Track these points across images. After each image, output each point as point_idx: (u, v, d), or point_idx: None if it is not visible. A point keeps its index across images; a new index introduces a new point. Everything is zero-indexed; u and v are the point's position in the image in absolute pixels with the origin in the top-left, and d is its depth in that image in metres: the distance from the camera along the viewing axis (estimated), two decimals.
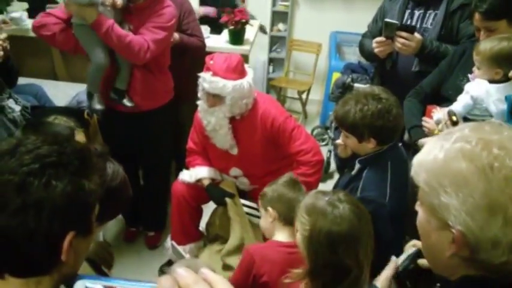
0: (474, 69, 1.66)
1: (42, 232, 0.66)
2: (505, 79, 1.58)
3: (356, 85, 2.83)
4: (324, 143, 3.78)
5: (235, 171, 2.19)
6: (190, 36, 2.48)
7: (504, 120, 1.44)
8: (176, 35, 2.37)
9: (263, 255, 1.49)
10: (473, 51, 1.65)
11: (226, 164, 2.19)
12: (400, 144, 1.67)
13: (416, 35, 2.00)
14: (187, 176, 2.22)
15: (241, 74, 1.94)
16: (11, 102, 1.87)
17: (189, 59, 2.50)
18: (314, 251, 1.15)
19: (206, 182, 2.20)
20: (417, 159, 0.77)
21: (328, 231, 1.14)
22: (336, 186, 1.77)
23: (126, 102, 2.17)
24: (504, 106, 1.54)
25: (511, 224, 0.66)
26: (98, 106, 2.14)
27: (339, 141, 1.62)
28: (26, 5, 3.19)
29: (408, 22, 2.16)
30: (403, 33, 2.00)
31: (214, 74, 1.88)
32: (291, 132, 2.00)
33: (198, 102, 2.04)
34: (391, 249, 1.18)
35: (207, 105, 1.99)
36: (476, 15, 1.70)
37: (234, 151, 2.11)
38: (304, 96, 4.19)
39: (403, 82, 2.11)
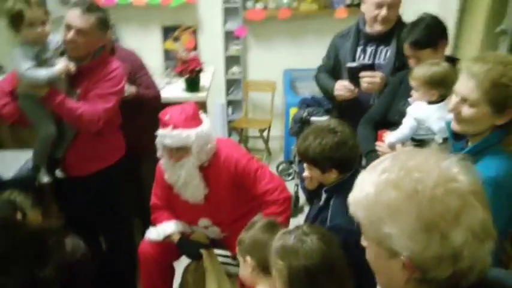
0: (412, 92, 1.81)
1: None
2: (441, 99, 1.73)
3: (313, 118, 2.93)
4: (290, 178, 3.82)
5: (203, 222, 2.14)
6: (145, 89, 2.48)
7: (449, 141, 1.54)
8: (132, 89, 2.36)
9: None
10: (408, 78, 1.81)
11: (193, 216, 2.14)
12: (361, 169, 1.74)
13: (377, 71, 2.13)
14: (155, 234, 2.12)
15: (199, 120, 1.96)
16: None
17: (145, 114, 2.46)
18: None
19: (176, 237, 2.12)
20: (352, 198, 0.83)
21: (304, 267, 1.15)
22: (306, 219, 1.79)
23: (58, 173, 2.08)
24: (443, 124, 1.65)
25: (446, 237, 0.71)
26: (46, 179, 2.05)
27: (305, 174, 1.66)
28: None
29: (361, 58, 2.27)
30: (368, 73, 2.12)
31: (175, 127, 1.86)
32: (255, 173, 2.01)
33: (161, 162, 2.01)
34: (370, 274, 1.20)
35: (171, 162, 1.95)
36: (406, 46, 1.91)
37: (201, 201, 2.07)
38: (265, 134, 4.27)
39: (361, 114, 2.21)
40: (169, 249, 2.13)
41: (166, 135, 1.87)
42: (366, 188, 0.78)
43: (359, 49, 2.29)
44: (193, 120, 1.92)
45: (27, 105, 1.95)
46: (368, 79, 2.12)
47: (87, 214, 2.23)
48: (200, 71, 3.01)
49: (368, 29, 2.25)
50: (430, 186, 0.72)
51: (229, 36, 4.20)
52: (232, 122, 4.44)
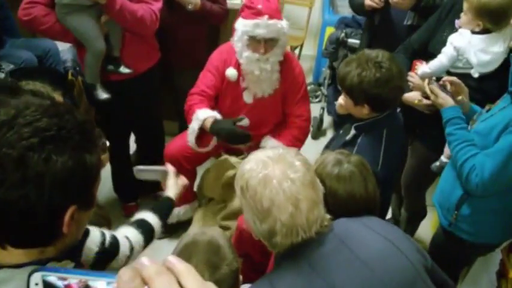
0: (461, 14, 1.64)
1: (44, 206, 0.65)
2: (483, 32, 1.58)
3: (350, 40, 2.76)
4: (317, 100, 3.74)
5: (245, 121, 2.10)
6: (212, 3, 2.34)
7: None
8: (198, 1, 2.25)
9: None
10: (462, 5, 1.62)
11: (237, 108, 2.12)
12: (398, 110, 1.66)
13: None
14: (191, 131, 2.04)
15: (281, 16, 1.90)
16: None
17: (206, 27, 2.42)
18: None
19: (210, 121, 1.98)
20: None
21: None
22: (328, 146, 1.77)
23: (124, 69, 2.08)
24: (486, 57, 1.58)
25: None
26: (104, 95, 2.06)
27: (339, 100, 1.60)
28: None
29: None
30: None
31: (271, 17, 1.78)
32: (302, 93, 2.02)
33: (244, 55, 1.92)
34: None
35: (259, 54, 1.88)
36: None
37: (250, 99, 2.05)
38: (297, 51, 4.09)
39: (395, 36, 2.06)
40: (194, 154, 2.17)
41: (260, 25, 1.79)
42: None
43: None
44: (280, 12, 1.85)
45: (77, 22, 1.87)
46: None
47: (124, 116, 2.28)
48: None
49: None
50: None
51: None
52: None
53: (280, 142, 1.99)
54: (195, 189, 2.40)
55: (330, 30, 3.51)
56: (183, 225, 2.36)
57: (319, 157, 1.25)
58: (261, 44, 1.84)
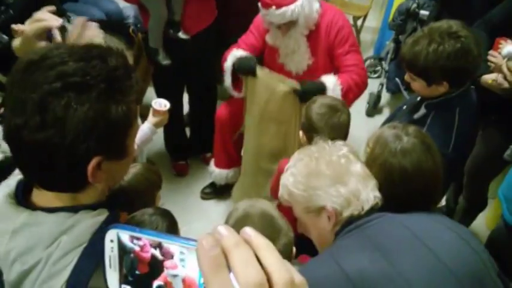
0: None
1: (64, 153, 0.64)
2: None
3: (422, 12, 2.54)
4: (375, 75, 3.56)
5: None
6: None
7: None
8: None
9: None
10: None
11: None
12: (472, 86, 1.50)
13: None
14: (226, 69, 2.04)
15: None
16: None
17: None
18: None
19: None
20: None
21: (383, 161, 1.08)
22: (389, 120, 1.67)
23: (182, 35, 2.12)
24: None
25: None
26: (166, 61, 2.16)
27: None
28: None
29: None
30: None
31: (278, 6, 1.79)
32: (351, 44, 1.95)
33: (267, 36, 1.98)
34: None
35: (280, 34, 1.93)
36: None
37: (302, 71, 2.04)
38: (359, 22, 3.88)
39: (469, 7, 1.88)
40: (243, 121, 2.16)
41: (271, 15, 1.81)
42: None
43: None
44: None
45: None
46: None
47: (180, 76, 2.32)
48: None
49: None
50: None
51: None
52: (327, 0, 4.04)
53: (340, 80, 1.88)
54: (242, 153, 2.39)
55: (398, 1, 3.27)
56: (230, 188, 2.39)
57: (371, 136, 1.15)
58: (278, 28, 1.88)
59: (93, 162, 0.67)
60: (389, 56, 3.11)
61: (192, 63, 2.28)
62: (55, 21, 1.01)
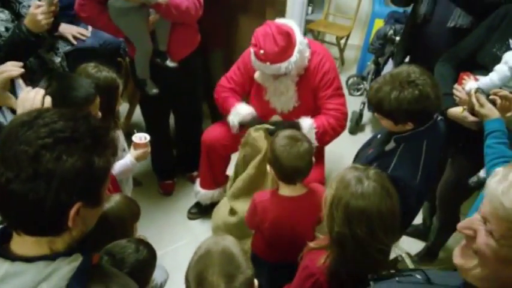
0: None
1: (51, 200, 0.71)
2: None
3: (398, 38, 2.66)
4: (358, 93, 3.68)
5: (276, 117, 2.15)
6: None
7: None
8: None
9: (265, 208, 1.59)
10: None
11: (267, 113, 2.15)
12: (440, 117, 1.60)
13: None
14: (232, 124, 2.11)
15: (293, 44, 1.88)
16: (51, 55, 1.89)
17: (220, 6, 2.43)
18: (331, 216, 1.18)
19: (249, 117, 2.08)
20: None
21: (346, 203, 1.15)
22: (363, 149, 1.76)
23: (169, 63, 2.16)
24: None
25: None
26: (154, 90, 2.20)
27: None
28: None
29: None
30: None
31: (272, 62, 1.84)
32: (335, 88, 2.01)
33: (256, 74, 2.01)
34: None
35: (271, 78, 1.98)
36: None
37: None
38: (342, 42, 4.00)
39: (435, 39, 1.95)
40: (231, 144, 2.22)
41: (266, 68, 1.87)
42: None
43: None
44: (288, 50, 1.85)
45: (128, 23, 1.95)
46: None
47: (165, 96, 2.34)
48: None
49: None
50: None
51: None
52: (310, 23, 4.17)
53: (315, 123, 1.98)
54: (227, 173, 2.47)
55: (378, 23, 3.40)
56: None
57: (335, 177, 1.22)
58: (271, 76, 1.93)
59: (75, 207, 0.74)
60: (369, 76, 3.23)
61: (179, 88, 2.34)
62: (15, 72, 1.14)
